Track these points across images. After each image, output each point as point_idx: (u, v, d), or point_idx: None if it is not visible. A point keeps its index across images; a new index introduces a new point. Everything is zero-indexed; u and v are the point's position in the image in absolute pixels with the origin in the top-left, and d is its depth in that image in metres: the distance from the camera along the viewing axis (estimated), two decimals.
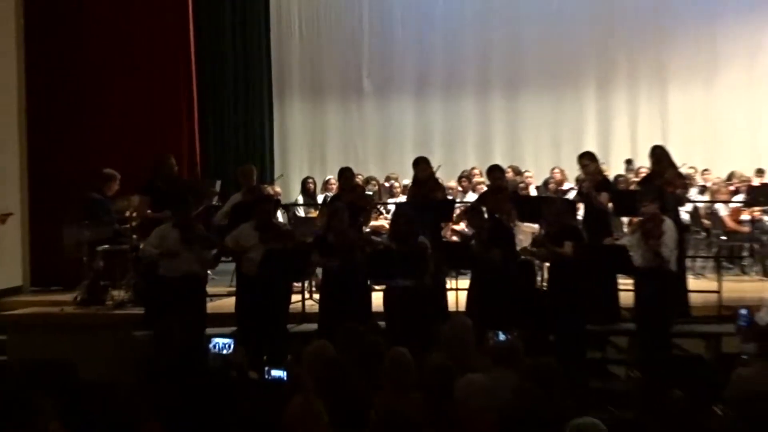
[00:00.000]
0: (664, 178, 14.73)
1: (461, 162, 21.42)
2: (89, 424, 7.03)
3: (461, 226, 17.40)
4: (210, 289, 15.26)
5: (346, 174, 16.06)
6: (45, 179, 17.89)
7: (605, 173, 16.64)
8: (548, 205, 14.56)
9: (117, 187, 15.97)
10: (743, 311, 12.66)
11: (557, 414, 7.06)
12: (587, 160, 15.36)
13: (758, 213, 18.00)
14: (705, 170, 20.43)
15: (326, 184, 19.26)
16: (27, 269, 17.94)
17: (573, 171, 17.65)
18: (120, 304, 15.56)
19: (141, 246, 14.49)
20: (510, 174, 19.36)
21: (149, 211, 15.34)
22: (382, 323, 13.30)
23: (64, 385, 8.05)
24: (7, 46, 17.58)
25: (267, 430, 6.97)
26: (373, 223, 17.48)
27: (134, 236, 15.50)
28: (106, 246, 15.69)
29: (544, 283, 14.49)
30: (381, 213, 18.19)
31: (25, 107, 17.96)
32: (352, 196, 15.54)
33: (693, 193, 18.51)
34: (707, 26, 22.50)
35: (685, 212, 17.13)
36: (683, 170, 16.55)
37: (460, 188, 19.52)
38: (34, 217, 17.89)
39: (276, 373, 8.79)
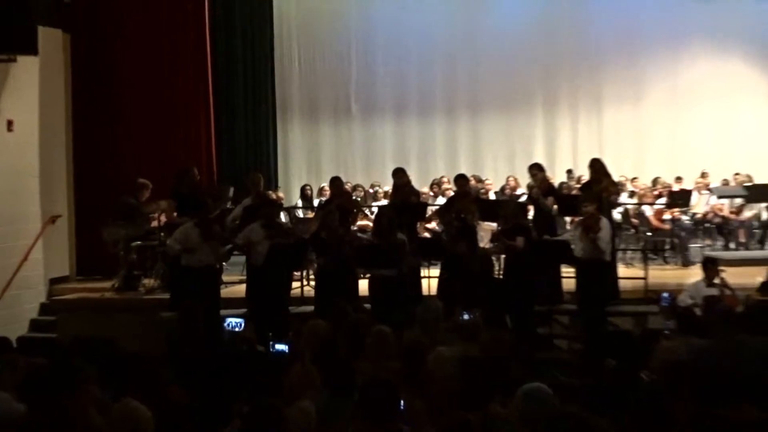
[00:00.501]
0: (600, 184, 14.78)
1: (432, 171, 21.42)
2: (125, 388, 7.02)
3: (433, 225, 17.42)
4: (224, 278, 15.28)
5: (336, 182, 16.12)
6: (88, 185, 17.86)
7: (551, 181, 16.66)
8: (504, 207, 14.62)
9: (149, 193, 15.94)
10: (665, 294, 12.71)
11: (511, 380, 7.06)
12: (536, 170, 15.47)
13: (677, 213, 18.06)
14: (634, 178, 20.48)
15: (321, 191, 19.30)
16: (73, 261, 17.88)
17: (525, 179, 17.65)
18: (150, 290, 15.59)
19: (167, 242, 14.49)
20: (473, 181, 19.32)
21: (175, 213, 15.37)
22: (367, 305, 13.32)
23: (107, 356, 8.05)
24: (55, 74, 17.55)
25: (271, 393, 6.97)
26: (359, 222, 17.51)
27: (162, 234, 15.51)
28: (139, 242, 15.76)
29: (501, 272, 14.47)
30: (366, 214, 18.18)
31: (71, 125, 17.95)
32: (342, 200, 15.57)
33: (624, 197, 18.57)
34: (634, 57, 22.59)
35: (617, 213, 17.22)
36: (616, 178, 16.67)
37: (431, 193, 19.47)
38: (79, 217, 17.84)
39: (279, 346, 8.78)
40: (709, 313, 10.68)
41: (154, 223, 15.93)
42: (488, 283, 13.71)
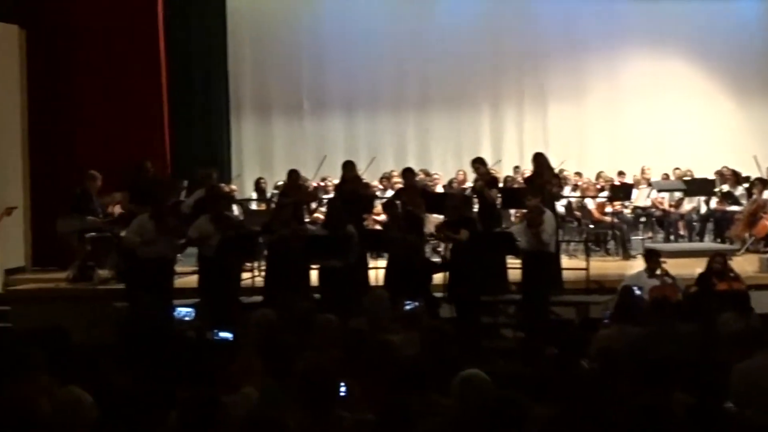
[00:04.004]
0: (543, 178, 14.79)
1: (381, 166, 21.36)
2: (76, 377, 6.94)
3: (382, 217, 17.39)
4: (177, 269, 15.15)
5: (292, 175, 16.04)
6: (43, 177, 17.72)
7: (496, 174, 16.67)
8: (450, 199, 14.61)
9: (100, 184, 15.81)
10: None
11: (452, 367, 7.03)
12: (478, 164, 15.47)
13: (618, 206, 18.10)
14: (577, 172, 20.51)
15: (276, 185, 19.25)
16: (28, 252, 17.69)
17: (473, 173, 17.59)
18: (104, 280, 15.43)
19: (123, 234, 14.38)
20: (422, 175, 19.45)
21: (131, 204, 15.27)
22: (317, 295, 13.26)
23: (57, 347, 7.97)
24: (11, 68, 17.43)
25: (214, 381, 6.91)
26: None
27: (116, 226, 15.40)
28: (93, 233, 15.57)
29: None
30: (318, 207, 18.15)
31: (27, 118, 17.82)
32: (299, 194, 15.54)
33: (567, 190, 18.62)
34: (576, 56, 22.70)
35: (560, 206, 17.19)
36: (560, 172, 16.74)
37: (380, 186, 19.50)
38: (34, 208, 17.68)
39: (223, 334, 8.73)
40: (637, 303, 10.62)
41: (109, 215, 15.82)
42: (433, 273, 13.75)
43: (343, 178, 15.62)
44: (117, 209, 15.78)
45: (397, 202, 14.72)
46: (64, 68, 17.93)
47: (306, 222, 16.15)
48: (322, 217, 16.51)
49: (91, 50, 18.04)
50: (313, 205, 17.42)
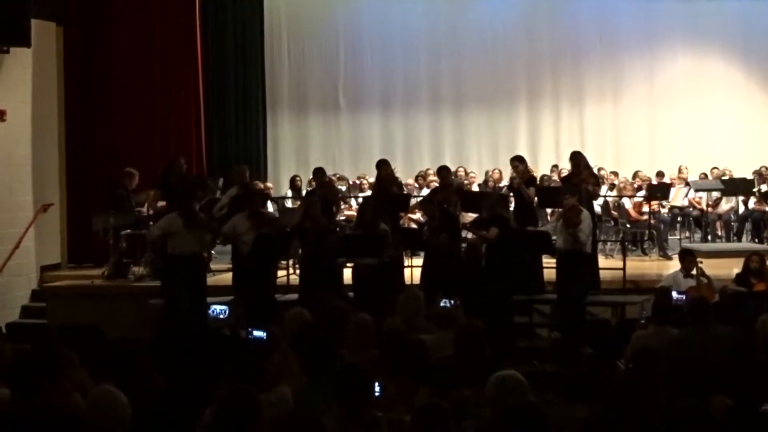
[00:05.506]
0: (580, 177, 14.73)
1: (417, 164, 21.37)
2: (111, 374, 6.97)
3: (417, 216, 17.38)
4: (213, 266, 15.23)
5: (318, 173, 16.15)
6: (80, 174, 17.91)
7: (533, 173, 16.62)
8: (485, 198, 14.59)
9: (137, 182, 15.93)
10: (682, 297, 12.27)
11: (486, 366, 7.01)
12: (517, 161, 15.47)
13: (656, 206, 17.99)
14: (613, 172, 20.40)
15: (310, 182, 19.27)
16: (64, 249, 17.79)
17: (509, 172, 17.50)
18: (139, 277, 15.43)
19: (149, 228, 14.47)
20: (462, 173, 19.52)
21: (163, 203, 15.30)
22: (351, 293, 13.26)
23: (92, 344, 8.01)
24: (48, 66, 17.48)
25: (250, 379, 6.91)
26: (346, 212, 17.50)
27: (151, 223, 15.43)
28: (129, 230, 15.63)
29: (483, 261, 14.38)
30: (350, 205, 18.13)
31: (63, 116, 17.90)
32: (325, 191, 15.56)
33: (604, 189, 18.51)
34: (614, 55, 22.57)
35: (597, 205, 17.11)
36: (597, 171, 16.64)
37: (416, 185, 19.49)
38: (70, 206, 17.83)
39: (257, 333, 8.73)
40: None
41: (144, 212, 15.87)
42: (469, 271, 13.68)
43: (378, 177, 15.62)
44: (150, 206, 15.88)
45: (433, 200, 14.70)
46: (100, 66, 18.08)
47: (340, 219, 16.18)
48: (355, 215, 16.54)
49: (127, 48, 18.17)
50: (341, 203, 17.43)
